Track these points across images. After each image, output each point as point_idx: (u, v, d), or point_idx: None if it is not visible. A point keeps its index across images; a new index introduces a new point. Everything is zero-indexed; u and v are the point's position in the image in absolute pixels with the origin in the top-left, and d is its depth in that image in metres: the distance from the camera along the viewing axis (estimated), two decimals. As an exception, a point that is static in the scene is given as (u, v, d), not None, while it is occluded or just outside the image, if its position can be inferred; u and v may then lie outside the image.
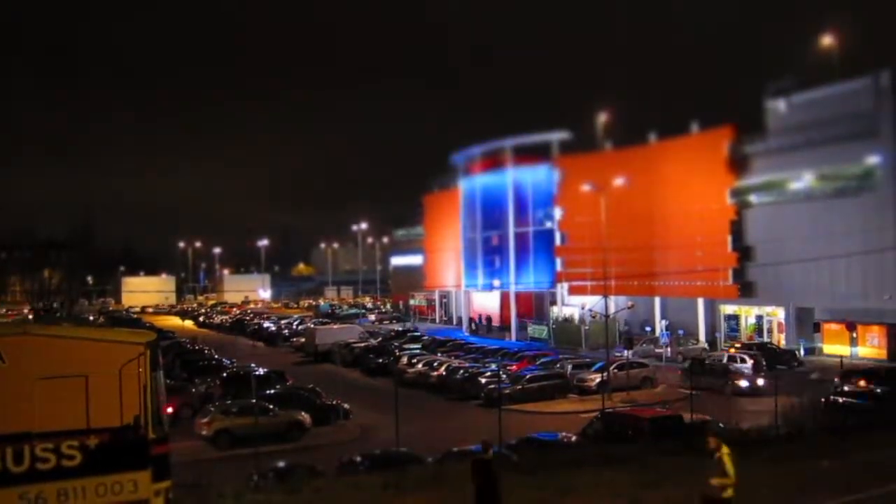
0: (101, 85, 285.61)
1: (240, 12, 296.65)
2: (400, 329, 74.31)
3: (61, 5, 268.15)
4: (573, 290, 67.71)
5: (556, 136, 69.06)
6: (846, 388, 33.02)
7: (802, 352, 50.01)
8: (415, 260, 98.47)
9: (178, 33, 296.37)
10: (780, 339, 54.52)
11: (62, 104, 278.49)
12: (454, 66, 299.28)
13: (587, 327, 60.37)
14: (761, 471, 19.33)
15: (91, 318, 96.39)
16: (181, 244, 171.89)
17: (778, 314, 55.82)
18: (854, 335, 46.65)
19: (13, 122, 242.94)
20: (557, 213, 68.59)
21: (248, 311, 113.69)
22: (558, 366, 44.93)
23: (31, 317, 71.79)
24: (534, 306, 78.24)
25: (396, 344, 59.07)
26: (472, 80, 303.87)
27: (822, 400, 30.64)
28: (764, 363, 43.32)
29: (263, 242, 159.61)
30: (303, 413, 32.91)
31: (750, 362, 42.34)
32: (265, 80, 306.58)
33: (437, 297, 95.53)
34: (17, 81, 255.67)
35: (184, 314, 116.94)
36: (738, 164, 55.08)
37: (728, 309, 59.34)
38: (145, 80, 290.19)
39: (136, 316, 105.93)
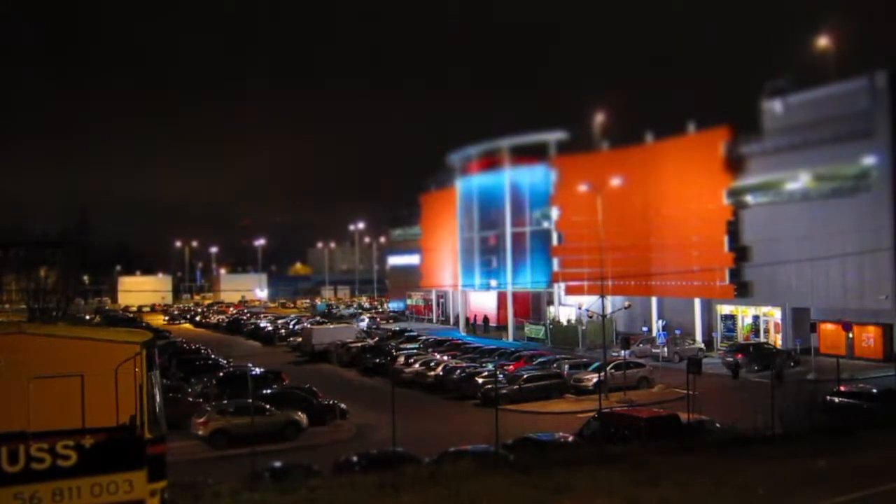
0: (99, 83, 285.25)
1: (240, 11, 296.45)
2: (397, 329, 74.32)
3: (61, 3, 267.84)
4: (570, 290, 67.71)
5: (554, 136, 69.02)
6: (842, 389, 33.03)
7: (799, 352, 50.02)
8: (412, 260, 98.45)
9: (177, 32, 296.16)
10: (777, 340, 54.59)
11: (60, 101, 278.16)
12: (453, 66, 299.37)
13: (584, 327, 60.39)
14: (757, 470, 19.36)
15: (87, 317, 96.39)
16: (178, 243, 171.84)
17: (774, 314, 55.84)
18: (850, 335, 46.67)
19: (10, 119, 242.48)
20: (554, 213, 68.58)
21: (245, 311, 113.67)
22: (555, 366, 44.90)
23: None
24: (531, 306, 78.31)
25: (393, 344, 59.09)
26: (470, 79, 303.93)
27: (819, 400, 30.67)
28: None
29: (260, 242, 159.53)
30: (299, 413, 32.88)
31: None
32: (263, 79, 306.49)
33: (433, 296, 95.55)
34: (15, 78, 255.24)
35: (174, 313, 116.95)
36: (735, 165, 55.10)
37: (725, 309, 59.38)
38: (144, 78, 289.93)
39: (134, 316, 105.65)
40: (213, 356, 53.36)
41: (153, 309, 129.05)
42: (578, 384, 41.47)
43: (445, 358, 48.61)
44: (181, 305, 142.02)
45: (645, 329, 59.88)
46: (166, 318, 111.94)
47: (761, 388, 36.56)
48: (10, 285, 76.64)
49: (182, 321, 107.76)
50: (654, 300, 61.88)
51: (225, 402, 34.17)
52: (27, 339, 13.19)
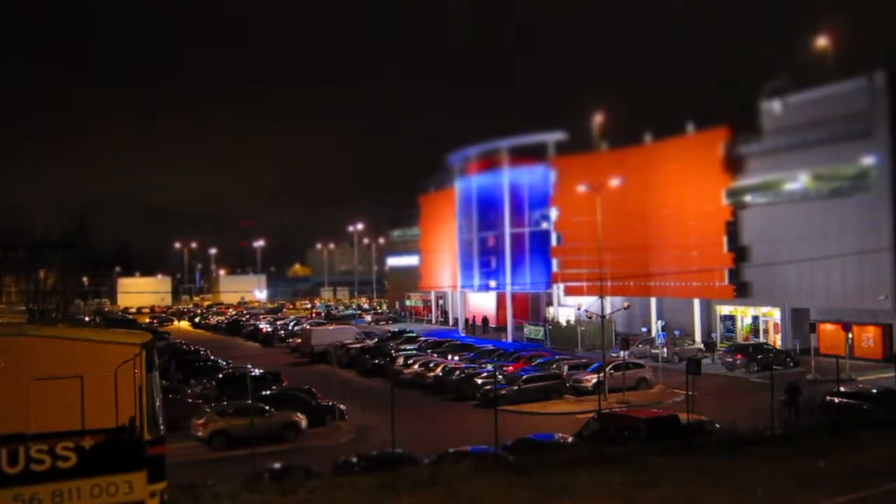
0: (99, 83, 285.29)
1: (240, 11, 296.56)
2: (396, 330, 74.35)
3: (60, 4, 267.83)
4: (569, 291, 67.70)
5: (552, 137, 69.00)
6: (842, 389, 33.06)
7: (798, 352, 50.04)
8: (411, 261, 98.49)
9: (177, 31, 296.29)
10: (776, 340, 54.60)
11: (60, 102, 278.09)
12: (452, 67, 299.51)
13: (583, 328, 60.38)
14: (757, 471, 19.37)
15: (86, 318, 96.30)
16: (177, 244, 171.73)
17: (774, 315, 55.85)
18: (850, 336, 46.68)
19: (10, 119, 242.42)
20: (553, 213, 68.57)
21: (244, 312, 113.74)
22: (554, 366, 44.88)
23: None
24: (530, 307, 78.31)
25: (392, 345, 59.09)
26: (469, 80, 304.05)
27: (819, 400, 30.71)
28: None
29: (259, 243, 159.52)
30: (298, 414, 32.91)
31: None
32: (263, 79, 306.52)
33: (433, 297, 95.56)
34: (15, 79, 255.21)
35: (162, 315, 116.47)
36: (734, 165, 55.09)
37: (724, 309, 59.40)
38: (143, 79, 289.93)
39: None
40: (212, 357, 53.40)
41: (152, 311, 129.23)
42: (578, 385, 41.45)
43: (455, 359, 48.65)
44: (179, 307, 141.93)
45: (644, 329, 59.86)
46: (154, 319, 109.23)
47: (761, 387, 36.64)
48: (10, 287, 76.59)
49: (169, 323, 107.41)
50: (653, 301, 61.88)
51: (224, 403, 34.20)
52: (27, 340, 13.20)
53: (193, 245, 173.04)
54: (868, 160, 47.83)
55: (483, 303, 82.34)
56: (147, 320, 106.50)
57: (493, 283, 75.19)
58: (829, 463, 19.93)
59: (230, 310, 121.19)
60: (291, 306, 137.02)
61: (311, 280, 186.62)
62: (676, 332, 56.89)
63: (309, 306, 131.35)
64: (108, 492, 12.89)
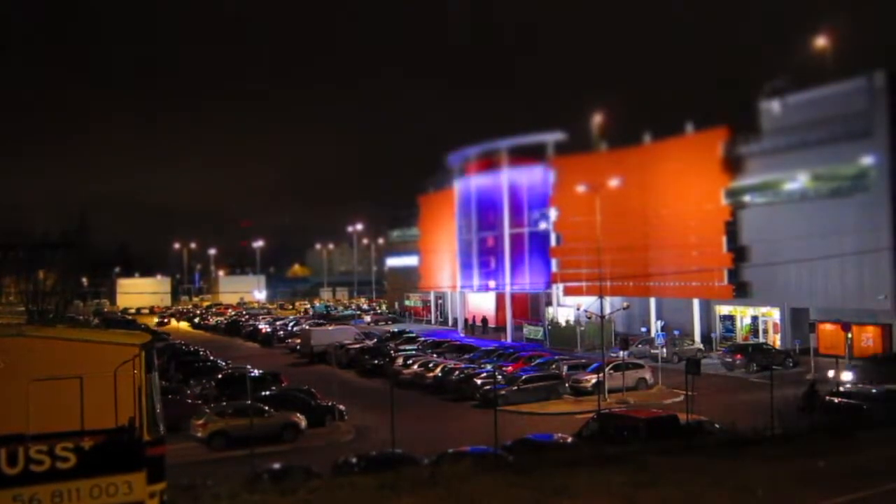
0: (99, 83, 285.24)
1: (240, 12, 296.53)
2: (395, 330, 74.35)
3: (60, 4, 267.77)
4: (568, 291, 67.68)
5: (552, 137, 69.01)
6: (842, 389, 33.04)
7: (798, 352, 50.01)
8: (410, 261, 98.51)
9: (177, 31, 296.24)
10: (776, 340, 54.60)
11: (60, 102, 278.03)
12: (452, 67, 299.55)
13: (583, 328, 60.36)
14: (757, 471, 19.36)
15: (83, 318, 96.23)
16: (176, 245, 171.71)
17: (773, 315, 55.84)
18: (849, 336, 46.68)
19: (10, 119, 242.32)
20: (553, 213, 68.56)
21: (243, 312, 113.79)
22: (554, 367, 44.87)
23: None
24: (529, 307, 78.31)
25: (392, 345, 59.08)
26: (469, 80, 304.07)
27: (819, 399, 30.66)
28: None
29: (259, 243, 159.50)
30: (298, 414, 32.91)
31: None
32: (262, 78, 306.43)
33: (432, 298, 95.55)
34: (16, 79, 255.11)
35: (165, 320, 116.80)
36: (733, 165, 55.11)
37: (723, 309, 59.39)
38: (143, 79, 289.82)
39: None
40: (211, 358, 53.39)
41: (152, 311, 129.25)
42: (577, 385, 41.44)
43: (447, 355, 48.58)
44: (179, 307, 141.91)
45: (644, 330, 59.83)
46: (163, 318, 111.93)
47: (760, 387, 36.60)
48: (10, 287, 76.51)
49: (169, 322, 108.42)
50: (652, 301, 61.85)
51: (224, 403, 34.20)
52: (27, 341, 13.19)
53: (193, 245, 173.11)
54: (867, 160, 47.85)
55: (482, 303, 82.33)
56: (155, 320, 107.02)
57: (492, 284, 75.21)
58: (829, 463, 19.92)
59: (229, 310, 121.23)
60: (290, 306, 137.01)
61: (310, 280, 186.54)
62: (676, 332, 56.87)
63: (308, 306, 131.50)
64: (108, 492, 12.88)
